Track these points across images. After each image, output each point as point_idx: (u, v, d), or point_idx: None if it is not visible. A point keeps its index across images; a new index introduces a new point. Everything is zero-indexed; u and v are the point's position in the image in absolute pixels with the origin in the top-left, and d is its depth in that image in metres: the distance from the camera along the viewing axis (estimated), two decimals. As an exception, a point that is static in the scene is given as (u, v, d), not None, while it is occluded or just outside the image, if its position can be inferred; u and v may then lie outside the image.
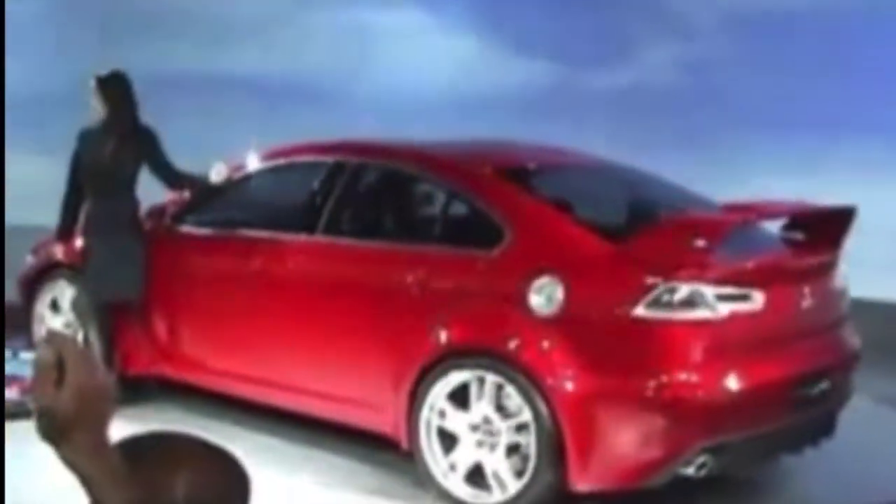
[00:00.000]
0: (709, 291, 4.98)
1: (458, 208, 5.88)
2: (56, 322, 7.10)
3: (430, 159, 6.01)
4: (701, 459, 5.03)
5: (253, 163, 6.53)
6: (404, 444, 5.60)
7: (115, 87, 6.58)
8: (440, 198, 5.97)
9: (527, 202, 5.54)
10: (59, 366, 1.52)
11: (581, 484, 5.09)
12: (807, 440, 5.59)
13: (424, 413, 5.45)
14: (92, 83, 6.58)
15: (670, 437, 4.97)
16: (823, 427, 5.64)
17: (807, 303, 5.45)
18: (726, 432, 5.08)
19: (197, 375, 6.54)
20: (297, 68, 10.84)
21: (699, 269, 4.97)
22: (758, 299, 5.12)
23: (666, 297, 4.94)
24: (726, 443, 5.10)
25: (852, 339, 5.77)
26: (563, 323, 5.11)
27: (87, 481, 1.53)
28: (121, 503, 1.50)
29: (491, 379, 5.26)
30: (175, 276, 6.58)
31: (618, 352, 5.02)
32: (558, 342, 5.10)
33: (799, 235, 5.82)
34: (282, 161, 6.51)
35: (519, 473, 5.21)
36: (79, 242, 6.69)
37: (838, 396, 5.67)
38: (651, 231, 5.24)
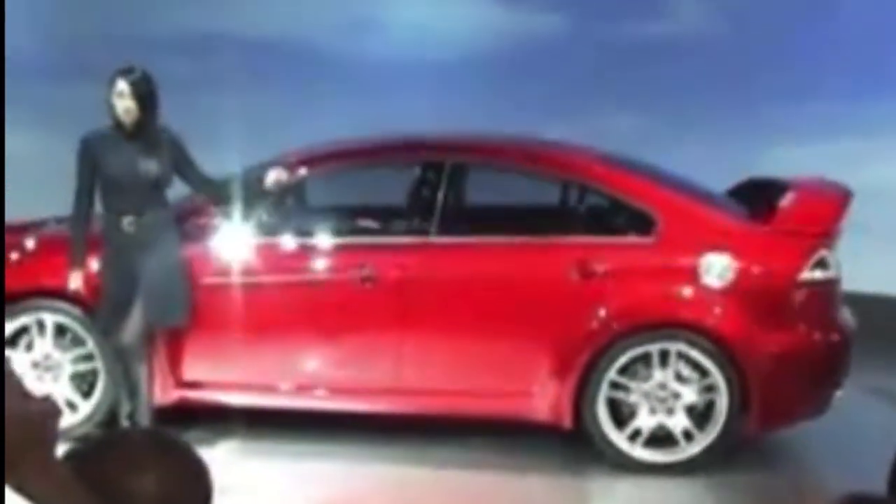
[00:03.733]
0: (832, 254, 6.10)
1: (594, 199, 6.25)
2: (24, 359, 6.09)
3: (537, 155, 6.30)
4: (840, 393, 6.14)
5: (311, 167, 6.17)
6: (567, 425, 5.96)
7: (146, 87, 5.84)
8: (565, 191, 6.22)
9: (662, 188, 6.16)
10: None
11: (759, 429, 5.94)
12: None
13: (603, 389, 5.88)
14: (120, 84, 5.78)
15: (834, 377, 6.04)
16: None
17: None
18: (847, 371, 6.24)
19: (293, 398, 6.04)
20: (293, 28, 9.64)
21: (834, 235, 6.07)
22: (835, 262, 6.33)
23: (819, 261, 5.97)
24: (845, 380, 6.26)
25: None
26: (738, 293, 5.89)
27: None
28: None
29: (675, 349, 5.87)
30: (252, 291, 6.00)
31: (789, 312, 5.96)
32: (739, 310, 5.88)
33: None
34: (353, 162, 6.28)
35: (699, 428, 5.91)
36: (93, 267, 5.89)
37: None
38: (791, 207, 6.16)
